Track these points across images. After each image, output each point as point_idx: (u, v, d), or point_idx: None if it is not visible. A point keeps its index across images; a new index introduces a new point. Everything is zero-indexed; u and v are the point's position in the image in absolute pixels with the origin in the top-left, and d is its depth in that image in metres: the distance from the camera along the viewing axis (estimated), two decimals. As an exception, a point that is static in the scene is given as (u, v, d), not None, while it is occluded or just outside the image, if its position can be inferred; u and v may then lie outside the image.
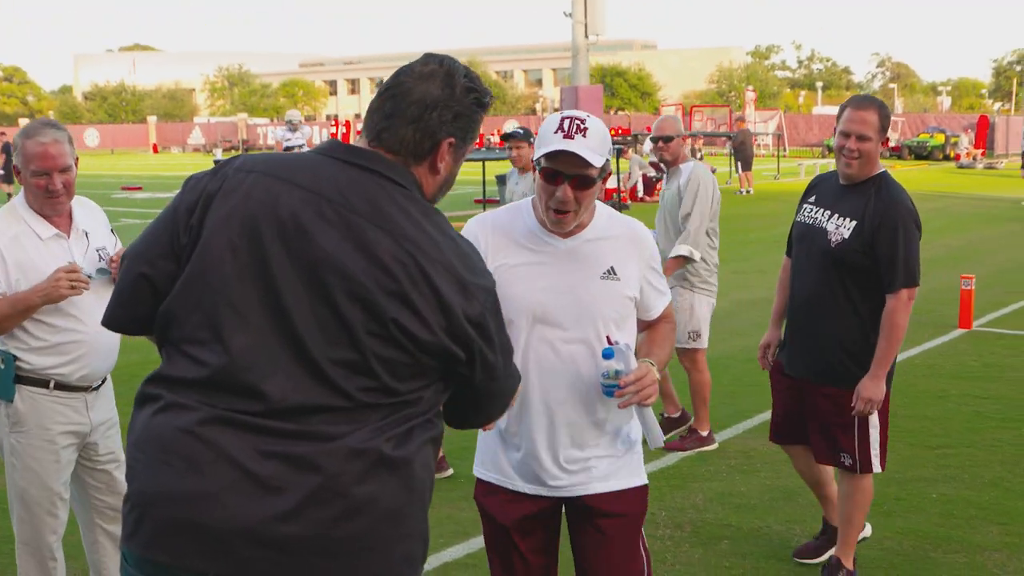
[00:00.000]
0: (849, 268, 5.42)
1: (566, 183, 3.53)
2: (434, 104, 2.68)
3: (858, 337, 5.46)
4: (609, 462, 3.77)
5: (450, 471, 7.62)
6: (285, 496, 2.45)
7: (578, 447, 3.72)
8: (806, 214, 5.69)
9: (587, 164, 3.49)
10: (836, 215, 5.52)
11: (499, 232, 3.72)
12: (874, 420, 5.52)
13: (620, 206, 25.56)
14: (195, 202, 2.64)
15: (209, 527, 2.45)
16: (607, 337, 3.64)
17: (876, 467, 5.60)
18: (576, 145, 3.50)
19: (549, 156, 3.52)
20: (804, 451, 5.97)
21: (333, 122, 58.48)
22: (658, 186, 29.75)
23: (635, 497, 3.81)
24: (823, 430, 5.64)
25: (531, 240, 3.70)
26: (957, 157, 50.24)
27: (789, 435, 5.97)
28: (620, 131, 37.48)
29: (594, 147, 3.52)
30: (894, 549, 6.30)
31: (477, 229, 3.75)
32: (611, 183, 28.24)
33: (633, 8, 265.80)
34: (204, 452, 2.48)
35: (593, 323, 3.66)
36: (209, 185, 2.66)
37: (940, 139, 52.64)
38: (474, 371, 2.67)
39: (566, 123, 3.55)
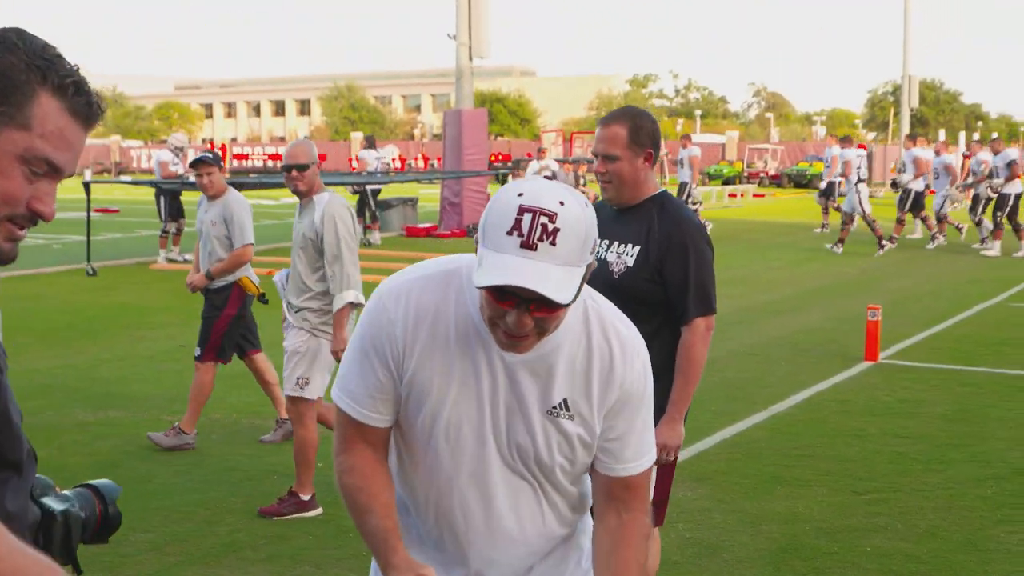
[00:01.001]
0: (638, 300, 4.65)
1: (520, 309, 2.44)
2: None
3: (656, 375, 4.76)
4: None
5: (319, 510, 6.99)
6: None
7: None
8: None
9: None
10: (616, 243, 4.86)
11: (422, 320, 2.63)
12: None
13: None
14: None
15: None
16: None
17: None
18: (537, 270, 2.36)
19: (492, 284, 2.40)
20: None
21: (209, 146, 57.05)
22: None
23: None
24: None
25: (474, 344, 2.62)
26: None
27: None
28: (501, 157, 37.11)
29: (571, 259, 2.39)
30: (836, 612, 5.71)
31: (392, 308, 2.63)
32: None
33: (512, 35, 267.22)
34: None
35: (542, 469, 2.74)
36: None
37: (819, 168, 53.09)
38: None
39: (526, 219, 2.37)
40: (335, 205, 6.98)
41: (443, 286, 2.64)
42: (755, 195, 45.82)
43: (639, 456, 2.75)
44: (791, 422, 9.46)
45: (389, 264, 20.18)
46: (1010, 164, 23.35)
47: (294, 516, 6.94)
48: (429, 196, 35.23)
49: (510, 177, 28.25)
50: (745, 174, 56.41)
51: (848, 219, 24.16)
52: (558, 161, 34.98)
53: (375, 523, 2.68)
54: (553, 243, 2.37)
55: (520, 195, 2.40)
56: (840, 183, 25.92)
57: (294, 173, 6.97)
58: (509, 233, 2.38)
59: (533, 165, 31.11)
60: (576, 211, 2.40)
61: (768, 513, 7.14)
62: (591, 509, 2.90)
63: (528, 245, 2.37)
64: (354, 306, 6.91)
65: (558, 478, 2.75)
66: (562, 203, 2.39)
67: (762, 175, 55.64)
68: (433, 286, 2.64)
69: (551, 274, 2.37)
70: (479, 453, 2.70)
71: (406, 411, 2.71)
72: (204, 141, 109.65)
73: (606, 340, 2.65)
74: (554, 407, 2.65)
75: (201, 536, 6.61)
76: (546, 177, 29.11)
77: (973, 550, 6.59)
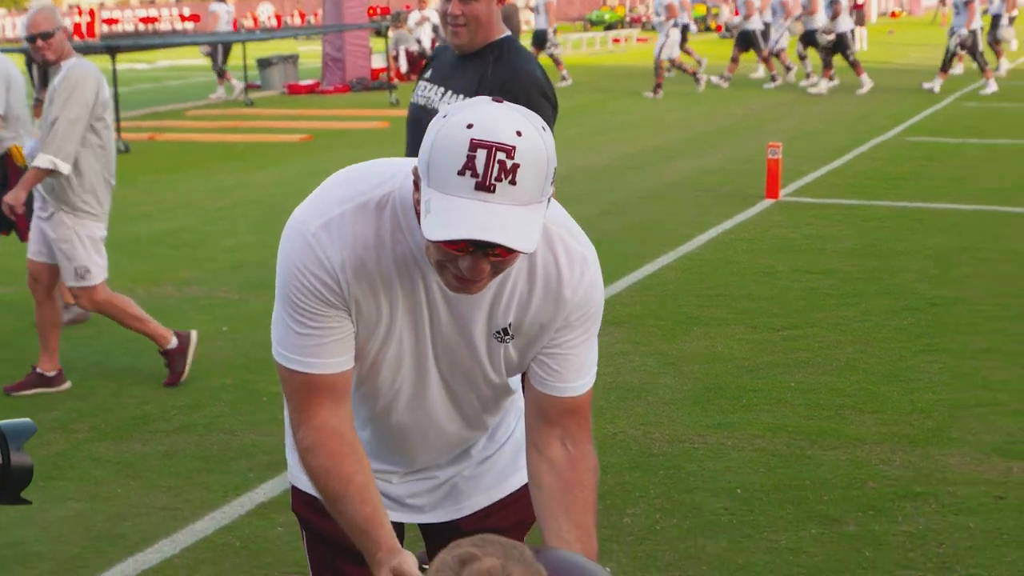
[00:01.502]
0: None
1: (477, 255, 2.12)
2: None
3: None
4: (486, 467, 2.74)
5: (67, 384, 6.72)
6: None
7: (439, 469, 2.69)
8: (420, 93, 4.65)
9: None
10: (449, 92, 4.51)
11: (360, 255, 2.30)
12: None
13: (389, 87, 24.44)
14: None
15: None
16: None
17: None
18: (497, 216, 2.04)
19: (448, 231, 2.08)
20: None
21: (77, 11, 54.94)
22: (422, 62, 28.74)
23: (524, 500, 2.63)
24: None
25: (412, 273, 2.33)
26: (719, 28, 50.45)
27: None
28: (380, 11, 36.21)
29: (533, 196, 2.08)
30: (768, 449, 5.64)
31: (327, 245, 2.28)
32: (378, 63, 27.08)
33: None
34: None
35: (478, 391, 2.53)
36: None
37: (701, 10, 52.79)
38: None
39: (480, 157, 2.03)
40: (77, 71, 6.46)
41: (376, 217, 2.30)
42: (639, 39, 45.47)
43: (583, 375, 2.49)
44: (701, 262, 9.36)
45: (272, 123, 19.76)
46: (832, 2, 23.14)
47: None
48: (310, 53, 34.36)
49: (390, 31, 27.60)
50: (627, 19, 55.91)
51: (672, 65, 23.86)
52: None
53: (352, 512, 2.35)
54: (513, 182, 2.04)
55: (469, 126, 2.04)
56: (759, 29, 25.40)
57: (39, 43, 6.44)
58: (460, 173, 2.04)
59: (414, 15, 30.44)
60: (535, 140, 2.07)
61: (688, 354, 7.04)
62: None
63: (484, 187, 2.04)
64: (50, 173, 6.35)
65: (501, 387, 2.56)
66: (519, 133, 2.05)
67: (643, 20, 55.20)
68: (365, 217, 2.30)
69: (513, 218, 2.06)
70: (420, 381, 2.47)
71: None
72: (71, 7, 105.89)
73: (552, 253, 2.35)
74: (499, 331, 2.41)
75: (108, 410, 6.33)
76: (432, 28, 28.52)
77: (895, 380, 6.57)
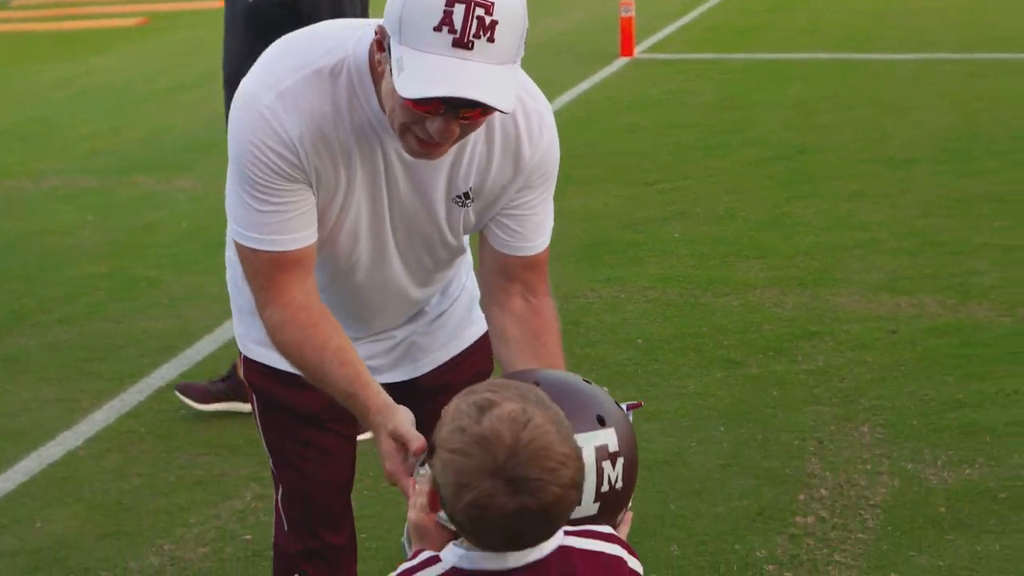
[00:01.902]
0: (274, 28, 3.32)
1: (448, 116, 2.04)
2: None
3: None
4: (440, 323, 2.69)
5: None
6: None
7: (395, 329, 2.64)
8: None
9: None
10: None
11: (318, 126, 2.20)
12: None
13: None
14: None
15: None
16: None
17: None
18: (475, 74, 1.98)
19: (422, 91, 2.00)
20: None
21: None
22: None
23: (481, 351, 2.68)
24: None
25: (371, 139, 2.24)
26: None
27: None
28: None
29: (509, 55, 2.02)
30: (661, 299, 5.69)
31: (284, 118, 2.18)
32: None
33: None
34: None
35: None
36: None
37: None
38: None
39: (458, 12, 1.95)
40: None
41: (332, 84, 2.20)
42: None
43: (544, 232, 2.45)
44: (566, 121, 9.28)
45: (105, 8, 19.01)
46: None
47: None
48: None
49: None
50: None
51: None
52: None
53: (334, 376, 2.27)
54: (491, 39, 1.97)
55: None
56: None
57: None
58: (437, 29, 1.96)
59: None
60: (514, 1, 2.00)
61: (566, 212, 6.87)
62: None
63: (462, 43, 1.96)
64: None
65: (456, 249, 2.50)
66: None
67: None
68: (320, 85, 2.19)
69: (491, 77, 1.99)
70: (378, 248, 2.40)
71: None
72: None
73: (510, 115, 2.25)
74: (459, 196, 2.34)
75: (-19, 307, 6.10)
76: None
77: (775, 227, 6.67)
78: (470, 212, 2.38)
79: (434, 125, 2.04)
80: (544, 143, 2.33)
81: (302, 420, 2.60)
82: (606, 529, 1.87)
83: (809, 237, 6.44)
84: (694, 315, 5.48)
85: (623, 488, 1.98)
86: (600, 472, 1.93)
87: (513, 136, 2.29)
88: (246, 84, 2.22)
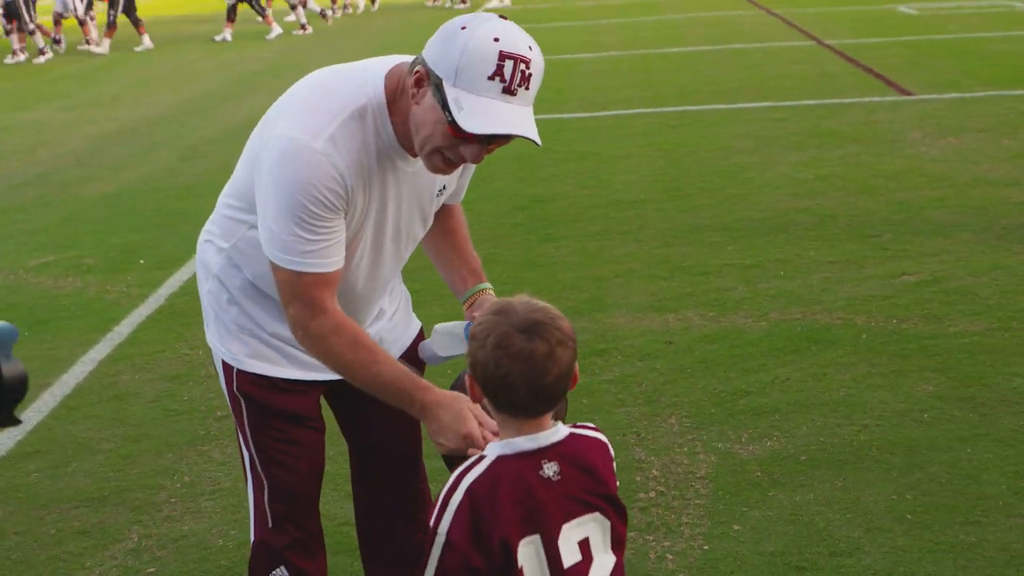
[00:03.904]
0: None
1: (483, 143, 2.61)
2: None
3: None
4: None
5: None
6: None
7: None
8: None
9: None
10: None
11: (357, 163, 2.71)
12: None
13: None
14: None
15: None
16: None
17: None
18: (521, 116, 2.56)
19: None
20: None
21: None
22: None
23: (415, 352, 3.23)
24: None
25: (385, 164, 2.77)
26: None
27: None
28: None
29: (533, 100, 2.60)
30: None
31: (335, 158, 2.66)
32: None
33: None
34: None
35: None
36: None
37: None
38: None
39: (508, 66, 2.50)
40: None
41: (362, 125, 2.70)
42: None
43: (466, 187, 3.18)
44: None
45: None
46: None
47: None
48: None
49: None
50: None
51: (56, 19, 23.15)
52: None
53: (389, 371, 2.76)
54: (527, 88, 2.54)
55: (496, 40, 2.51)
56: None
57: None
58: (491, 78, 2.51)
59: None
60: (539, 55, 2.57)
61: None
62: None
63: (510, 90, 2.52)
64: None
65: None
66: (530, 48, 2.54)
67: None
68: (355, 127, 2.70)
69: (527, 116, 2.59)
70: (376, 256, 2.93)
71: None
72: None
73: None
74: (441, 189, 2.94)
75: None
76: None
77: (535, 267, 7.32)
78: (442, 198, 2.97)
79: (469, 151, 2.61)
80: None
81: (291, 421, 3.04)
82: (592, 425, 2.48)
83: (569, 273, 7.12)
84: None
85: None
86: None
87: None
88: (288, 130, 2.69)
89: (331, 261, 2.74)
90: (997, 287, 6.32)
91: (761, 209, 8.19)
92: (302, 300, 2.76)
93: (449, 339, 3.01)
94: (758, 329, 5.97)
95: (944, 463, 4.50)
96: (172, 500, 4.70)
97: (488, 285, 3.12)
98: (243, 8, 23.97)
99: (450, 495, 2.28)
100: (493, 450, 2.33)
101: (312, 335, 2.78)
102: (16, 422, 2.06)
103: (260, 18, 24.14)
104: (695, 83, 14.03)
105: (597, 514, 2.37)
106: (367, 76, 2.75)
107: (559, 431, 2.34)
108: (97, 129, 13.82)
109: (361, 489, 3.36)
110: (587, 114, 12.41)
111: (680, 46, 17.57)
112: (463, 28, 2.54)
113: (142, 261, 8.03)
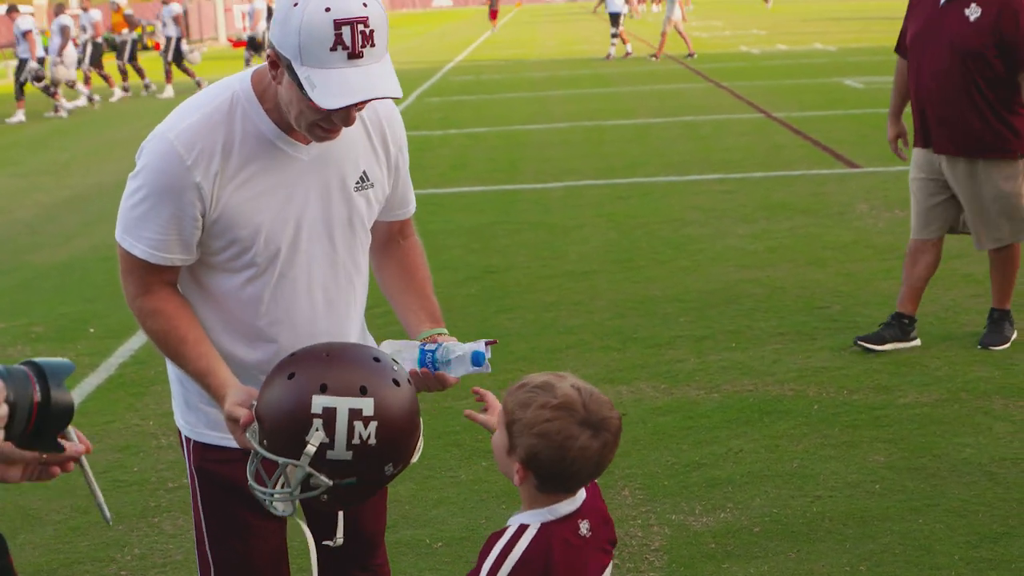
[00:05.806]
0: None
1: (351, 108, 2.64)
2: None
3: None
4: None
5: None
6: None
7: None
8: None
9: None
10: None
11: (220, 156, 2.73)
12: None
13: None
14: None
15: None
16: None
17: None
18: (373, 76, 2.58)
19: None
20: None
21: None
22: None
23: None
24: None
25: (272, 153, 2.78)
26: (156, 47, 49.90)
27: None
28: None
29: (385, 49, 2.61)
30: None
31: (186, 154, 2.71)
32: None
33: None
34: None
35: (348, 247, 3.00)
36: None
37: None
38: None
39: (346, 32, 2.52)
40: None
41: (228, 116, 2.75)
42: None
43: (412, 196, 3.18)
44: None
45: None
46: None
47: None
48: None
49: None
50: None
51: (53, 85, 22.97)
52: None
53: (192, 359, 2.81)
54: (372, 44, 2.56)
55: (328, 9, 2.53)
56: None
57: None
58: (333, 49, 2.53)
59: None
60: (376, 7, 2.57)
61: None
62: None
63: (355, 55, 2.54)
64: None
65: (363, 246, 3.05)
66: (365, 4, 2.55)
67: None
68: (219, 119, 2.74)
69: (380, 73, 2.61)
70: (326, 255, 2.93)
71: (215, 245, 2.82)
72: None
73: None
74: (359, 181, 2.93)
75: None
76: None
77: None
78: (370, 196, 2.97)
79: (339, 116, 2.65)
80: (398, 117, 3.04)
81: (246, 503, 2.93)
82: None
83: (523, 344, 7.14)
84: (444, 418, 6.02)
85: (377, 445, 2.57)
86: (351, 428, 2.55)
87: (376, 118, 2.96)
88: (166, 130, 2.76)
89: (165, 256, 2.78)
90: (946, 358, 6.41)
91: (711, 281, 8.26)
92: (131, 280, 2.85)
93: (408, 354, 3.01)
94: (710, 401, 6.01)
95: (897, 534, 4.53)
96: (122, 573, 4.66)
97: (445, 330, 3.12)
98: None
99: (497, 568, 2.36)
100: (533, 518, 2.42)
101: (135, 309, 2.87)
102: (60, 449, 2.15)
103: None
104: (645, 155, 14.18)
105: (612, 560, 2.54)
106: (235, 77, 2.84)
107: (583, 489, 2.45)
108: (48, 197, 13.79)
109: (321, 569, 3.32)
110: (539, 185, 12.47)
111: (630, 118, 17.74)
112: (295, 5, 2.56)
113: (92, 330, 7.98)
